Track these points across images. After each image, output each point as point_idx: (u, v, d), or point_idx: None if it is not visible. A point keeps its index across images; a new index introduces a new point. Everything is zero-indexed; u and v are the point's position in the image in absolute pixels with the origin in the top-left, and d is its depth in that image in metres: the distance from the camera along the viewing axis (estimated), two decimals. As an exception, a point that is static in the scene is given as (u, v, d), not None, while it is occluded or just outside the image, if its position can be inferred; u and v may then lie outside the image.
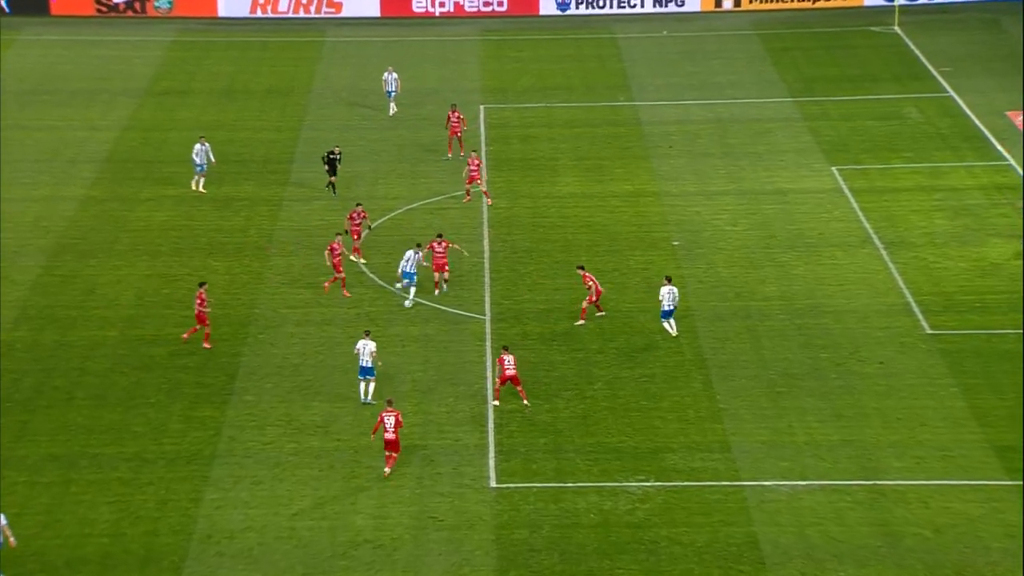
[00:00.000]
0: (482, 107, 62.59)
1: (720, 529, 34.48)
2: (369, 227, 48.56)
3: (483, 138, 59.14)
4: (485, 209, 52.20)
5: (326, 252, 45.85)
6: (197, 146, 53.39)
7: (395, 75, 60.67)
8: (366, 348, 40.11)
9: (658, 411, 39.45)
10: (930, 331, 43.43)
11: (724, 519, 34.85)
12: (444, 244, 45.01)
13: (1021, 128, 58.43)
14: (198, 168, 53.33)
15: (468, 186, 52.48)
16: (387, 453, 36.63)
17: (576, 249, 49.02)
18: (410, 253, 44.50)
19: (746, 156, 56.86)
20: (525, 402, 39.52)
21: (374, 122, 60.40)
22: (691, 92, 64.03)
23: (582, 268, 44.72)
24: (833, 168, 55.56)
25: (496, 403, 39.58)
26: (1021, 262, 46.89)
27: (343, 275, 45.56)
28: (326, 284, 45.69)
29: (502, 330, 43.49)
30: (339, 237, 46.04)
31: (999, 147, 57.17)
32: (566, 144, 58.50)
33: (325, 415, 39.47)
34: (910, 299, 45.39)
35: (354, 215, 48.06)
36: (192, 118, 61.24)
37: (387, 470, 36.57)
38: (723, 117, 61.00)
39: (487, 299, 45.71)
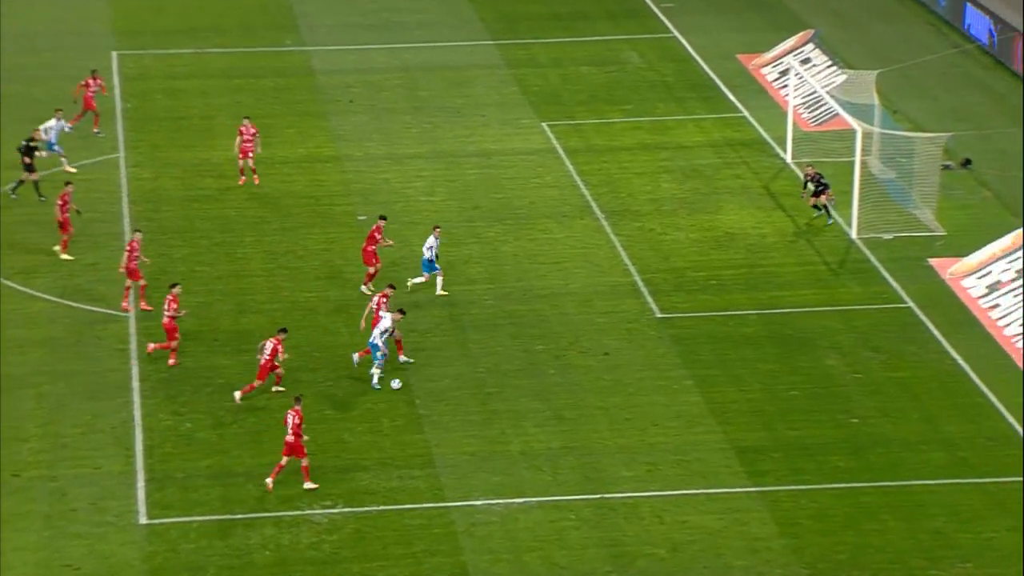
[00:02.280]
0: (115, 54, 61.87)
1: (424, 560, 34.68)
2: (78, 212, 46.87)
3: (117, 92, 58.40)
4: (124, 181, 51.48)
5: (124, 253, 43.62)
6: (53, 122, 50.60)
7: None
8: None
9: (346, 422, 39.46)
10: (660, 315, 44.52)
11: (428, 548, 35.07)
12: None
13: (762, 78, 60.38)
14: (55, 149, 50.61)
15: (241, 161, 50.56)
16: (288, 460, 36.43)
17: (239, 228, 48.79)
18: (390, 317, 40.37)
19: (441, 111, 57.47)
20: (253, 386, 39.82)
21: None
22: (372, 34, 64.48)
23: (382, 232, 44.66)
24: (543, 124, 56.59)
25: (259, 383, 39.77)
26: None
27: (137, 282, 43.64)
28: (133, 300, 43.68)
29: (151, 329, 42.86)
30: (138, 235, 44.19)
31: (731, 96, 59.06)
32: (223, 99, 58.06)
33: (-76, 444, 37.98)
34: (636, 278, 46.43)
35: (66, 195, 46.29)
36: None
37: (307, 484, 36.47)
38: (411, 64, 61.49)
39: (131, 292, 44.68)
